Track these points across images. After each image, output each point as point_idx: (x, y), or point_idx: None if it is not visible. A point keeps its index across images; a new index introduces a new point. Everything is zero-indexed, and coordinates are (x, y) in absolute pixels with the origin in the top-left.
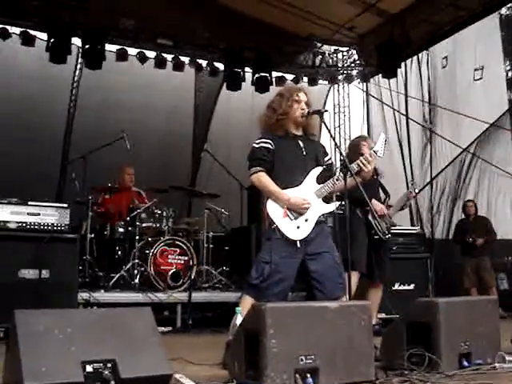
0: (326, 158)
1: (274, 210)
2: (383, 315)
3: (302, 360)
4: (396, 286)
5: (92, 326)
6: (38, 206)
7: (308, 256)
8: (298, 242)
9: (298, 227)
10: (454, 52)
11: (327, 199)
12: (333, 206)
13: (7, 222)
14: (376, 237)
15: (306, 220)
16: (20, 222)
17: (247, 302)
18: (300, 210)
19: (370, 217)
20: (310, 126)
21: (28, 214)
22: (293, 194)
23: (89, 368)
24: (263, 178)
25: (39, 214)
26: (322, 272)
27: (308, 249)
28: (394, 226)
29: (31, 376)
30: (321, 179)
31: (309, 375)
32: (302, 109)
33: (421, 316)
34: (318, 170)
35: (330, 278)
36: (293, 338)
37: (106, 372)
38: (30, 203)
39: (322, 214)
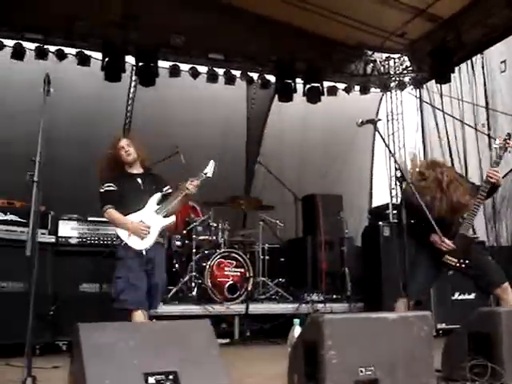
0: (165, 188)
1: (122, 233)
2: (443, 325)
3: (361, 371)
4: (456, 296)
5: (153, 339)
6: (97, 221)
7: (149, 271)
8: (144, 251)
9: (143, 238)
10: None
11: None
12: (170, 220)
13: (69, 237)
14: (451, 272)
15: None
16: (80, 238)
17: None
18: (139, 232)
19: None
20: (144, 162)
21: (88, 229)
22: (135, 218)
23: (151, 380)
24: (111, 214)
25: (98, 230)
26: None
27: (149, 265)
28: (474, 242)
29: None
30: (161, 202)
31: None
32: (126, 151)
33: (482, 326)
34: (157, 196)
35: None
36: (352, 349)
37: (168, 383)
38: (89, 219)
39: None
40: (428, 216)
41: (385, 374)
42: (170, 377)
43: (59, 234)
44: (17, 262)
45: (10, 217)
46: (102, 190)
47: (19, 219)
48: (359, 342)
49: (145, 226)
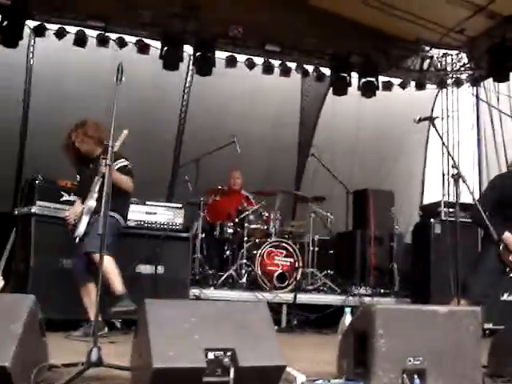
0: (115, 163)
1: None
2: (490, 325)
3: (409, 361)
4: (505, 297)
5: (213, 317)
6: (154, 205)
7: None
8: (77, 238)
9: (75, 226)
10: None
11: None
12: (90, 203)
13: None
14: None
15: (79, 221)
16: (138, 221)
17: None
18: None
19: (501, 251)
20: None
21: (146, 213)
22: (81, 208)
23: (210, 355)
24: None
25: (156, 214)
26: None
27: None
28: None
29: (160, 359)
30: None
31: (416, 376)
32: None
33: None
34: (96, 181)
35: None
36: (401, 339)
37: (226, 360)
38: (147, 203)
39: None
40: None
41: (432, 365)
42: (228, 353)
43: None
44: None
45: (73, 197)
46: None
47: None
48: (409, 332)
49: (68, 214)
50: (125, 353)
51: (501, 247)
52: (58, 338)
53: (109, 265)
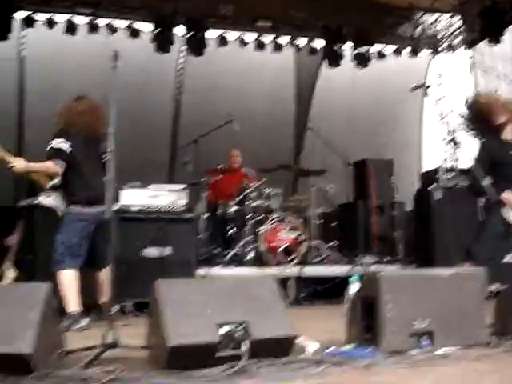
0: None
1: None
2: (495, 286)
3: (417, 324)
4: (507, 259)
5: (224, 293)
6: (157, 189)
7: None
8: None
9: None
10: None
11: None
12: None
13: (131, 205)
14: None
15: None
16: (142, 205)
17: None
18: None
19: (503, 211)
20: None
21: (149, 196)
22: None
23: (223, 330)
24: None
25: (158, 197)
26: None
27: None
28: None
29: (174, 337)
30: None
31: (424, 337)
32: None
33: None
34: None
35: None
36: (407, 303)
37: (239, 333)
38: (150, 187)
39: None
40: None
41: (439, 327)
42: (241, 326)
43: (122, 202)
44: None
45: None
46: None
47: None
48: (415, 296)
49: None
50: (138, 334)
51: (504, 208)
52: None
53: (65, 281)
